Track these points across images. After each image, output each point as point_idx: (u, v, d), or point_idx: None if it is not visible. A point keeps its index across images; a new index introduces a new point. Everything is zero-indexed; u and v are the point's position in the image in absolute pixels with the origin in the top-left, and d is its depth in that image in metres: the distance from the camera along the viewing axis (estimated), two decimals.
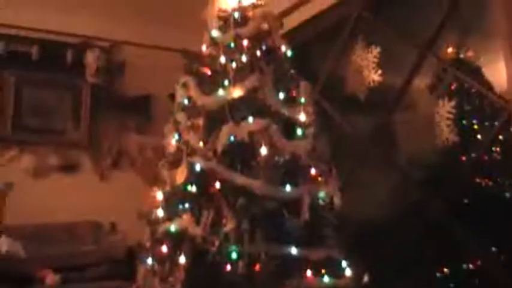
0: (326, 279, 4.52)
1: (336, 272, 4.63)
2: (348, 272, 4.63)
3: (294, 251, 4.36)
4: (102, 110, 7.15)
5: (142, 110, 7.29)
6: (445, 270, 6.67)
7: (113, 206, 6.62)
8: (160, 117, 6.45)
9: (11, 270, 5.70)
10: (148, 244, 4.84)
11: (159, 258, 4.61)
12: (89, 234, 6.57)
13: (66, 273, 5.77)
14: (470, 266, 6.72)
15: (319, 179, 4.58)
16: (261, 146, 4.29)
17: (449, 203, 6.54)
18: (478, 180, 6.72)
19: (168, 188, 4.64)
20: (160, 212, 4.61)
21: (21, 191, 6.52)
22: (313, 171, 4.53)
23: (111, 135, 7.25)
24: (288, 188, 4.24)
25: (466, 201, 6.63)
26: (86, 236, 6.53)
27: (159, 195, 4.64)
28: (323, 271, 4.61)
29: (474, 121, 6.40)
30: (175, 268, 4.52)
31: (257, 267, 4.36)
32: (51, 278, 5.81)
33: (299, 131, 4.51)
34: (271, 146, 4.32)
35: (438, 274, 6.68)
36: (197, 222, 4.38)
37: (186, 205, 4.46)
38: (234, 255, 4.20)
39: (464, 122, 6.29)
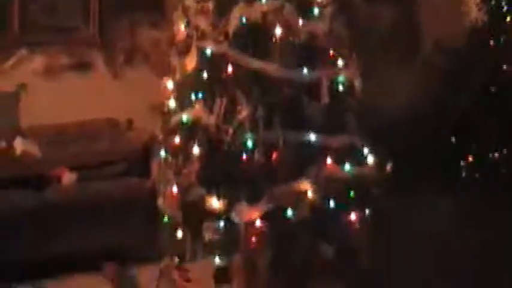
0: (347, 167, 4.22)
1: (357, 159, 4.32)
2: (370, 160, 4.31)
3: (313, 137, 4.04)
4: (113, 5, 6.69)
5: (155, 4, 6.82)
6: (470, 159, 6.46)
7: (128, 103, 6.36)
8: (173, 10, 5.99)
9: (27, 170, 5.47)
10: (161, 136, 4.55)
11: (173, 150, 4.35)
12: (105, 132, 6.32)
13: (82, 171, 5.53)
14: (496, 155, 6.47)
15: (339, 62, 4.19)
16: (275, 27, 4.01)
17: (476, 90, 6.24)
18: (505, 67, 6.42)
19: (178, 77, 4.28)
20: (172, 103, 4.28)
21: (34, 93, 6.25)
22: (331, 53, 4.13)
23: (123, 31, 6.84)
24: (305, 71, 3.86)
25: (493, 89, 6.33)
26: (102, 134, 6.27)
27: (170, 85, 4.29)
28: (344, 159, 4.29)
29: (503, 3, 6.03)
30: (189, 160, 4.25)
31: (274, 155, 4.06)
32: (67, 177, 5.59)
33: (315, 11, 4.09)
34: (286, 27, 3.93)
35: (462, 163, 6.47)
36: (210, 110, 4.06)
37: (198, 94, 4.11)
38: (249, 144, 3.91)
39: (493, 3, 5.91)
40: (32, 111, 6.58)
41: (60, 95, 6.73)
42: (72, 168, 5.89)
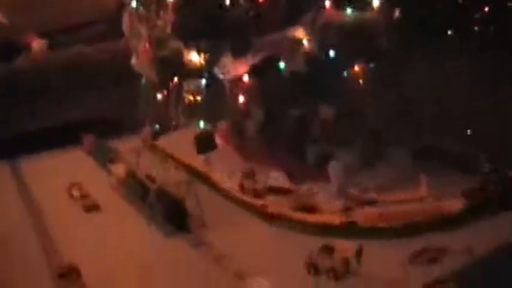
0: (348, 11, 3.45)
1: (360, 3, 3.54)
2: (376, 4, 3.53)
3: None
4: None
5: None
6: (485, 10, 5.73)
7: None
8: None
9: None
10: None
11: None
12: None
13: (55, 36, 4.73)
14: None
15: None
16: None
17: None
18: None
19: None
20: None
21: None
22: None
23: None
24: None
25: None
26: None
27: None
28: (345, 2, 3.53)
29: None
30: (163, 9, 3.45)
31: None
32: (37, 43, 4.77)
33: None
34: None
35: (477, 15, 5.78)
36: None
37: None
38: None
39: None
40: None
41: None
42: (44, 34, 5.11)
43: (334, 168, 4.61)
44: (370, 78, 4.39)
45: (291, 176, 4.66)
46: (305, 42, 3.73)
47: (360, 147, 4.38)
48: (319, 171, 4.48)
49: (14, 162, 5.43)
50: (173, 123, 5.10)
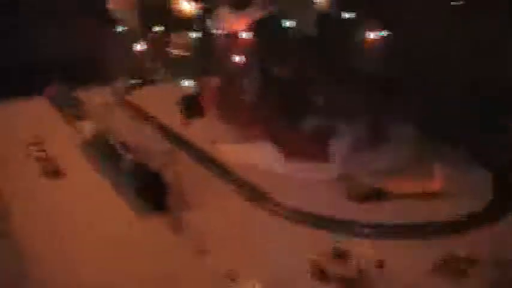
0: None
1: None
2: None
3: None
4: None
5: None
6: None
7: None
8: None
9: None
10: None
11: None
12: None
13: None
14: None
15: None
16: None
17: None
18: None
19: None
20: None
21: None
22: None
23: None
24: None
25: None
26: None
27: None
28: None
29: None
30: None
31: None
32: None
33: None
34: None
35: None
36: None
37: None
38: None
39: None
40: None
41: None
42: None
43: (336, 145, 4.16)
44: (382, 47, 3.96)
45: (282, 149, 4.23)
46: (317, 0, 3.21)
47: (366, 124, 3.92)
48: (316, 147, 4.05)
49: None
50: (150, 78, 4.68)
